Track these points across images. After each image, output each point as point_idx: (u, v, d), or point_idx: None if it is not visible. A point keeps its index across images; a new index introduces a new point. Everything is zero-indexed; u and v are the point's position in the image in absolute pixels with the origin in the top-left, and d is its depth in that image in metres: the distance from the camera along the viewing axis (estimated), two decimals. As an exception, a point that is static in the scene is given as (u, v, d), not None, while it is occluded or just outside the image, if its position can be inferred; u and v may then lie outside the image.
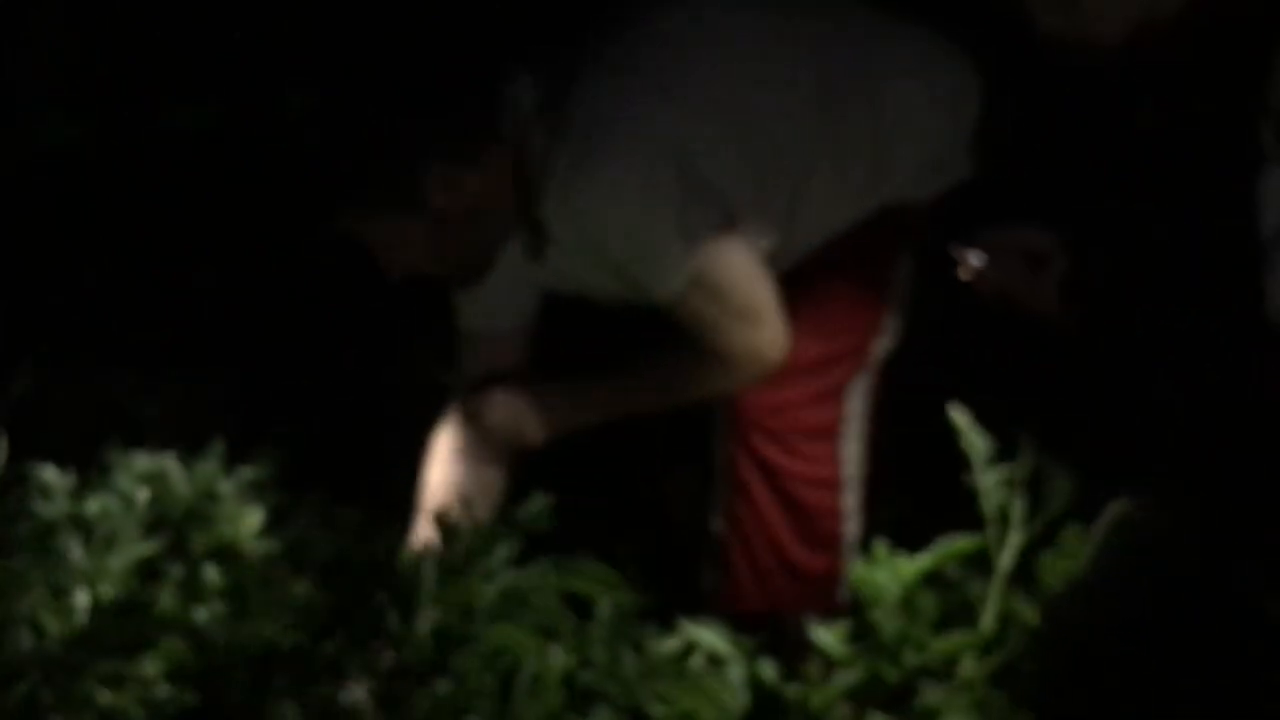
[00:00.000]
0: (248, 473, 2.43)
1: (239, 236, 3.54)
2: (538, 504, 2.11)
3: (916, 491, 2.62)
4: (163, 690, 1.89)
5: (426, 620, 1.98)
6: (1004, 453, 2.28)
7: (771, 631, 2.37)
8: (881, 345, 2.60)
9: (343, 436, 3.08)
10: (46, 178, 3.64)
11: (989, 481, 2.25)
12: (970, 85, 2.56)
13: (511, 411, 2.54)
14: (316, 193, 2.42)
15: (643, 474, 3.07)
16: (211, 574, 2.05)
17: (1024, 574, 2.27)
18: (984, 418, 2.32)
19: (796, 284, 2.53)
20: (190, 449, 2.50)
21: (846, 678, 2.24)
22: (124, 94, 3.69)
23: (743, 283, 2.42)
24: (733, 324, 2.43)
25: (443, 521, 2.16)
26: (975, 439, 2.26)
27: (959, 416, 2.30)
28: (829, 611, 2.45)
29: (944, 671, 2.24)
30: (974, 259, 2.20)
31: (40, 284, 3.44)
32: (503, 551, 2.06)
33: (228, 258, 3.55)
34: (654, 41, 2.48)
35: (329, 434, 3.00)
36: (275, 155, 3.29)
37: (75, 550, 2.08)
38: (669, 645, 2.25)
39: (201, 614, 2.00)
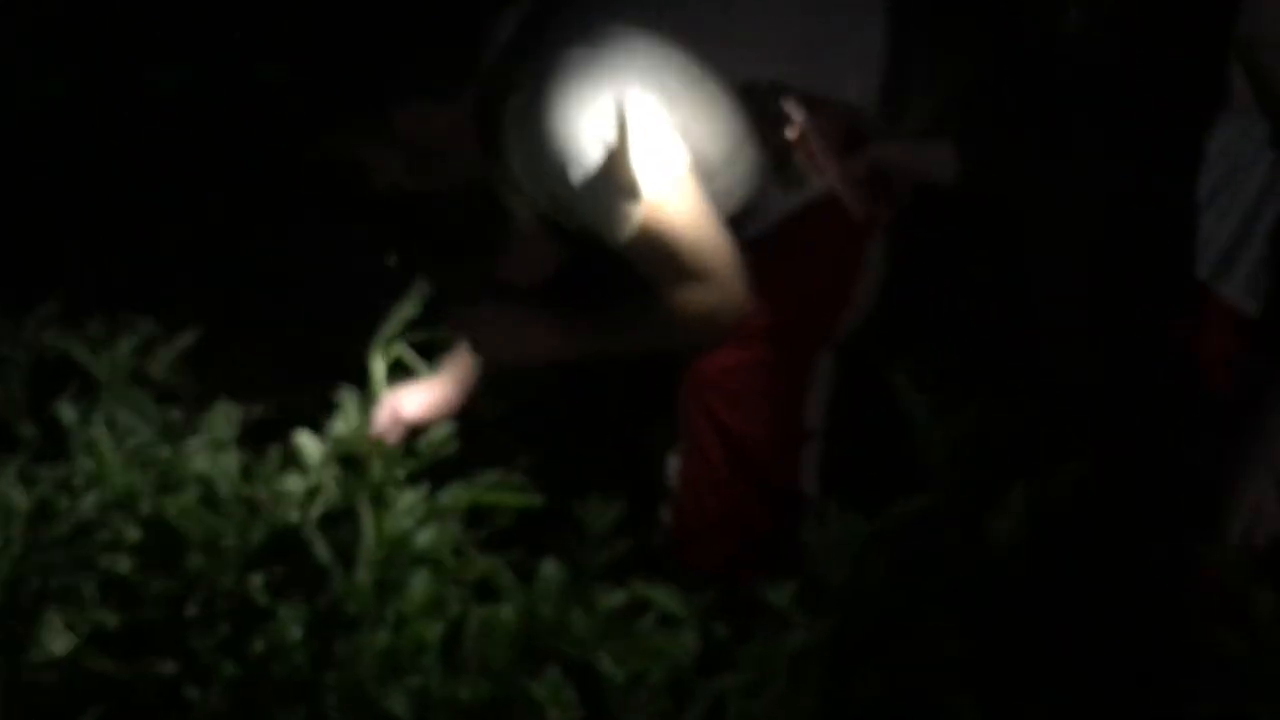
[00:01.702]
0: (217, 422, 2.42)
1: (214, 193, 3.54)
2: (441, 432, 2.10)
3: (870, 450, 2.61)
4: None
5: (366, 566, 1.97)
6: (952, 410, 2.27)
7: (724, 591, 2.37)
8: (850, 318, 2.59)
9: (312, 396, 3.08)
10: (27, 135, 3.65)
11: (932, 441, 2.24)
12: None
13: (495, 326, 2.54)
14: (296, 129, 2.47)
15: (618, 430, 3.06)
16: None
17: (974, 532, 2.26)
18: (936, 374, 2.32)
19: (767, 251, 2.53)
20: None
21: (797, 637, 2.24)
22: (104, 53, 3.70)
23: (692, 240, 2.40)
24: (683, 281, 2.40)
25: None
26: (915, 400, 2.25)
27: (898, 378, 2.29)
28: (783, 571, 2.45)
29: (895, 630, 2.23)
30: (796, 115, 2.21)
31: (15, 239, 3.45)
32: (410, 497, 2.05)
33: (202, 214, 3.55)
34: None
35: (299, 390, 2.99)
36: (252, 113, 3.30)
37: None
38: (620, 602, 2.24)
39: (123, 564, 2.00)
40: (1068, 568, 2.06)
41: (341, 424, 2.24)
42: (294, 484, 2.12)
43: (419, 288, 2.49)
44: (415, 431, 2.53)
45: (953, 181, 2.41)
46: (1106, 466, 2.25)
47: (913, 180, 2.47)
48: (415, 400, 2.64)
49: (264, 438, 2.48)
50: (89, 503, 2.11)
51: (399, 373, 2.59)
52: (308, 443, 2.24)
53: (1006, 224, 2.74)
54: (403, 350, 2.53)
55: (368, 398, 2.44)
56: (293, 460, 2.29)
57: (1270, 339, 2.29)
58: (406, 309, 2.47)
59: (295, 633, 1.97)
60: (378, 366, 2.48)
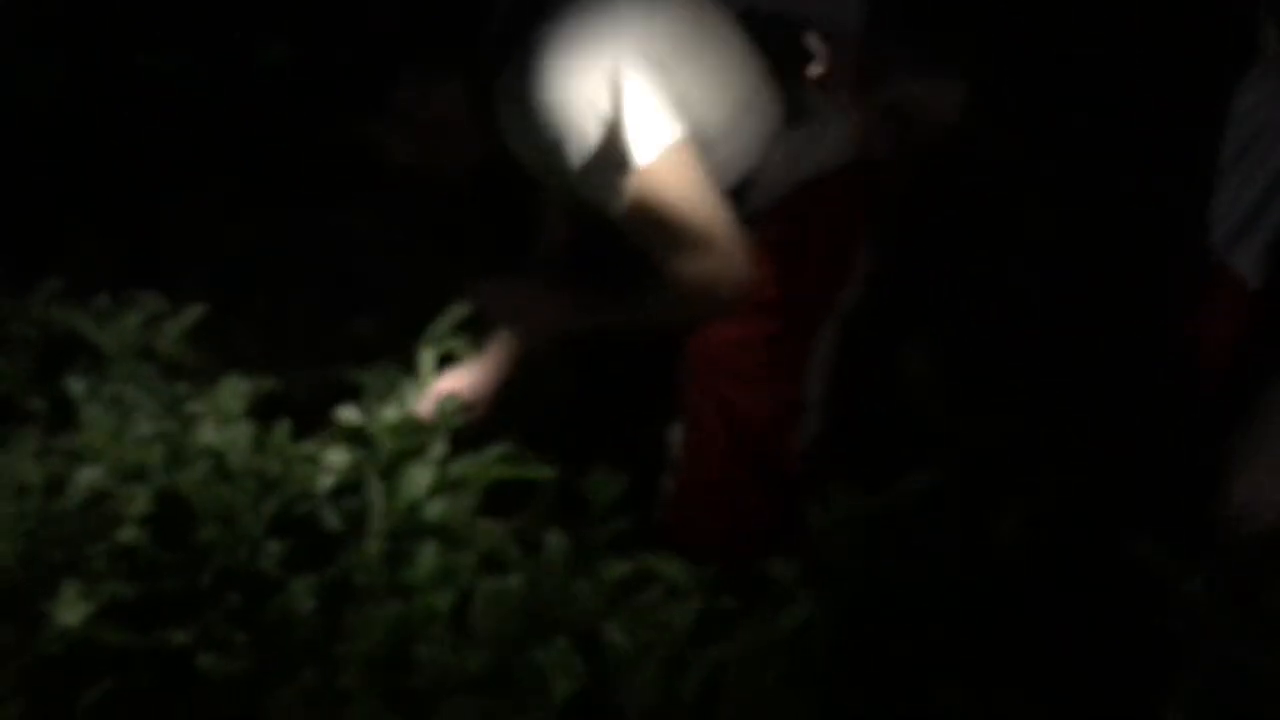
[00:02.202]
0: (225, 396, 2.43)
1: (215, 176, 3.55)
2: (451, 403, 2.12)
3: (869, 428, 2.63)
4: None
5: (375, 537, 1.98)
6: (960, 396, 2.29)
7: (728, 564, 2.39)
8: (850, 294, 2.61)
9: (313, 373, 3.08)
10: (27, 118, 3.65)
11: (940, 421, 2.26)
12: None
13: (508, 299, 2.57)
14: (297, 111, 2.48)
15: (621, 404, 3.07)
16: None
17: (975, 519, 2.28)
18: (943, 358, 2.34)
19: (770, 225, 2.54)
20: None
21: (800, 612, 2.25)
22: (98, 38, 3.70)
23: (689, 211, 2.39)
24: (681, 253, 2.40)
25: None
26: (929, 381, 2.27)
27: (914, 359, 2.30)
28: (783, 547, 2.47)
29: (894, 611, 2.25)
30: (817, 50, 2.23)
31: (19, 221, 3.45)
32: (435, 451, 2.07)
33: (203, 197, 3.56)
34: None
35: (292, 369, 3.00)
36: (252, 96, 3.31)
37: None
38: (625, 574, 2.25)
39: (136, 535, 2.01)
40: (1066, 561, 2.08)
41: (392, 408, 2.26)
42: (336, 456, 2.14)
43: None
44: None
45: (966, 124, 2.41)
46: (1103, 463, 2.26)
47: (930, 120, 2.47)
48: (454, 383, 2.66)
49: (267, 415, 2.50)
50: (100, 475, 2.12)
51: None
52: (351, 418, 2.25)
53: (1007, 216, 2.76)
54: (452, 343, 2.56)
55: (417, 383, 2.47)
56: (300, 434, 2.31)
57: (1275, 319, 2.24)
58: (456, 310, 2.50)
59: (307, 603, 1.98)
60: (427, 358, 2.50)
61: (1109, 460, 2.37)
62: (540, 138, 2.36)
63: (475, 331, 2.62)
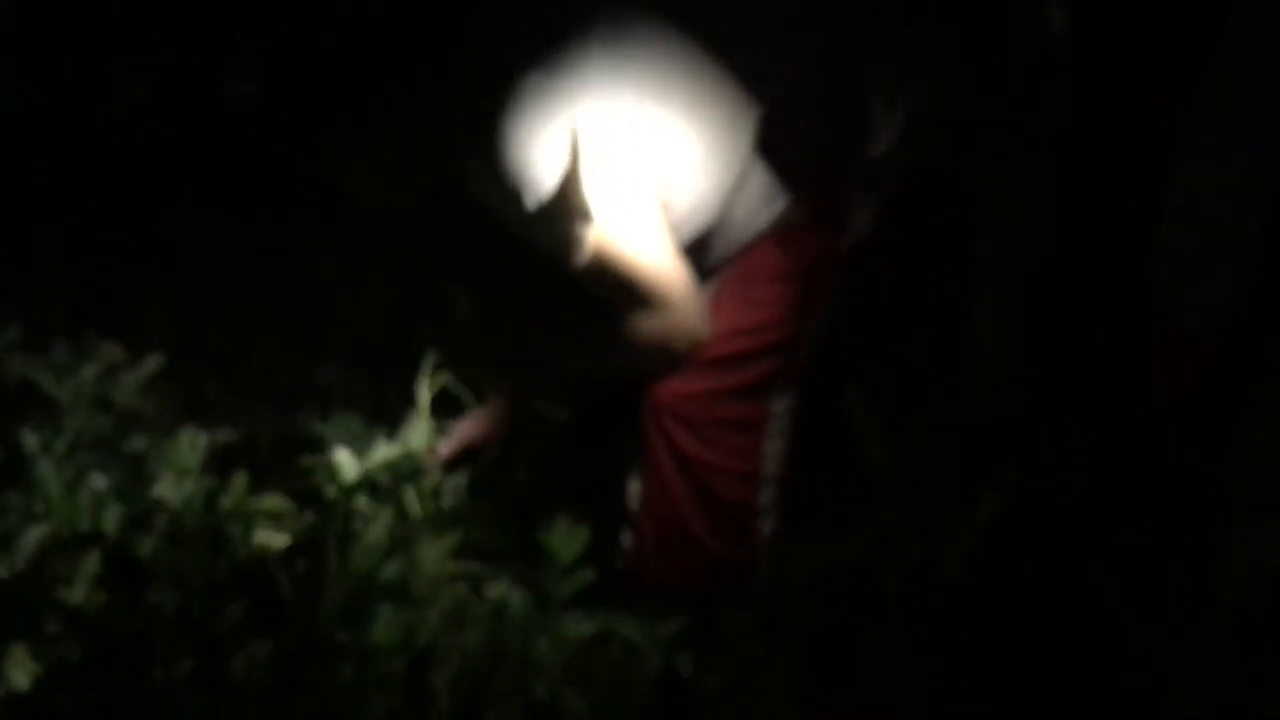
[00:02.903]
0: (181, 449, 2.40)
1: (177, 215, 3.53)
2: (412, 460, 2.11)
3: (833, 477, 2.62)
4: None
5: (331, 599, 1.96)
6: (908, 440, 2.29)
7: (687, 619, 2.37)
8: (808, 349, 2.60)
9: (275, 420, 3.06)
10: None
11: (888, 469, 2.26)
12: None
13: (477, 358, 2.57)
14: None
15: (584, 454, 3.06)
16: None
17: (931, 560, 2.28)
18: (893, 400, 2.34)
19: (729, 278, 2.53)
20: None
21: (757, 665, 2.24)
22: (64, 68, 3.68)
23: (644, 267, 2.41)
24: (637, 308, 2.42)
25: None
26: (869, 424, 2.26)
27: (855, 403, 2.30)
28: (741, 599, 2.46)
29: (852, 657, 2.24)
30: None
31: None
32: (378, 528, 2.05)
33: (163, 233, 3.53)
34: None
35: (254, 417, 2.98)
36: (213, 131, 3.29)
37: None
38: (587, 633, 2.24)
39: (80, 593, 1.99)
40: (1017, 586, 2.08)
41: (351, 463, 2.24)
42: (294, 514, 2.13)
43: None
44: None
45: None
46: (1048, 484, 2.26)
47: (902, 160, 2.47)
48: (467, 429, 2.65)
49: (226, 465, 2.48)
50: (51, 533, 2.09)
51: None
52: (345, 462, 2.23)
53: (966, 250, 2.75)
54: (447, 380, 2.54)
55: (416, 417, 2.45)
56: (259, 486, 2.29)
57: (1245, 354, 2.18)
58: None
59: (261, 665, 1.96)
60: (424, 394, 2.49)
61: (1073, 488, 2.37)
62: (501, 186, 2.36)
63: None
